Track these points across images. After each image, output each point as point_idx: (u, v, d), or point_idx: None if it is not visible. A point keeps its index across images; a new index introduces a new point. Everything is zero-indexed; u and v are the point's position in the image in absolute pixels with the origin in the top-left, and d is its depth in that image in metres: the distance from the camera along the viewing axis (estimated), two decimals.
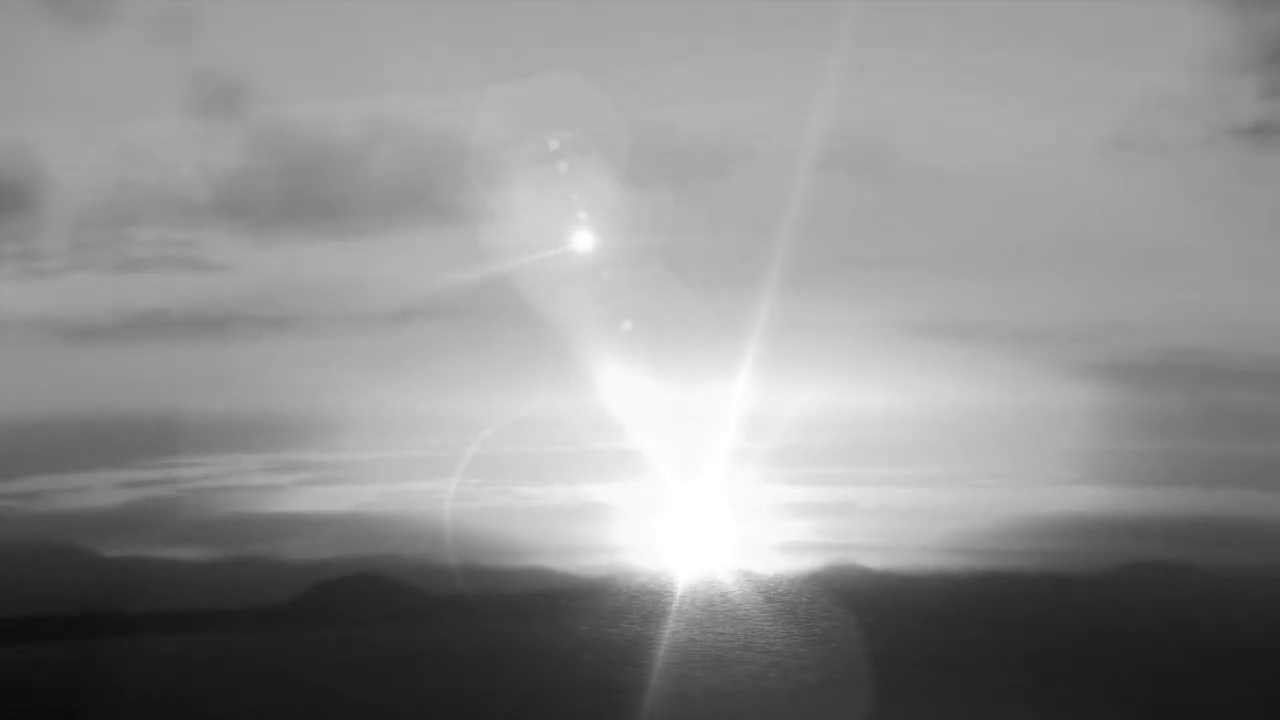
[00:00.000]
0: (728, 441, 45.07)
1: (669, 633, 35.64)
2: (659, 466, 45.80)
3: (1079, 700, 28.62)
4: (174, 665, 34.02)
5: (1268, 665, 31.15)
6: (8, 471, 56.45)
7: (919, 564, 45.50)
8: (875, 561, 45.50)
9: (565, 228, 51.09)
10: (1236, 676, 30.10)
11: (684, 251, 64.81)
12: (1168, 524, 49.02)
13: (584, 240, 49.05)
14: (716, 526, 47.08)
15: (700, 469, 45.64)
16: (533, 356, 56.96)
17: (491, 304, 61.36)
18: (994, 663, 32.25)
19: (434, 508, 50.73)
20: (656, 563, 43.02)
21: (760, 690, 28.86)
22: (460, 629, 37.60)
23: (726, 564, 43.40)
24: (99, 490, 56.39)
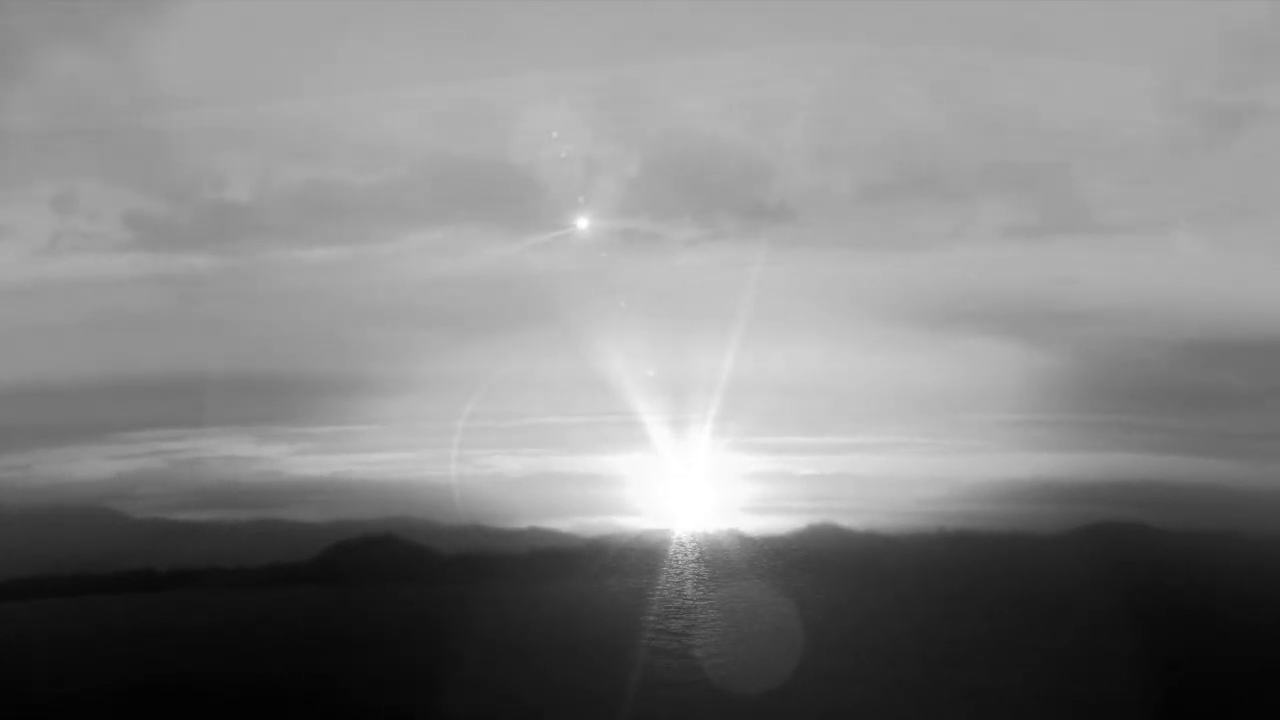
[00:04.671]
0: (716, 410, 47.21)
1: (661, 586, 37.79)
2: (650, 435, 47.82)
3: (1054, 647, 29.75)
4: (208, 620, 36.02)
5: (1217, 617, 32.91)
6: (7, 443, 56.66)
7: (894, 525, 47.50)
8: (853, 523, 47.44)
9: (564, 212, 53.26)
10: (1189, 626, 31.44)
11: (682, 234, 66.78)
12: (1124, 488, 50.95)
13: (582, 223, 51.30)
14: (706, 490, 49.31)
15: (690, 437, 47.73)
16: (525, 333, 58.69)
17: (487, 287, 63.05)
18: (958, 613, 34.07)
19: (434, 474, 52.52)
20: (649, 524, 45.09)
21: (742, 634, 30.73)
22: (469, 586, 39.59)
23: (715, 524, 45.50)
24: (92, 460, 57.03)
